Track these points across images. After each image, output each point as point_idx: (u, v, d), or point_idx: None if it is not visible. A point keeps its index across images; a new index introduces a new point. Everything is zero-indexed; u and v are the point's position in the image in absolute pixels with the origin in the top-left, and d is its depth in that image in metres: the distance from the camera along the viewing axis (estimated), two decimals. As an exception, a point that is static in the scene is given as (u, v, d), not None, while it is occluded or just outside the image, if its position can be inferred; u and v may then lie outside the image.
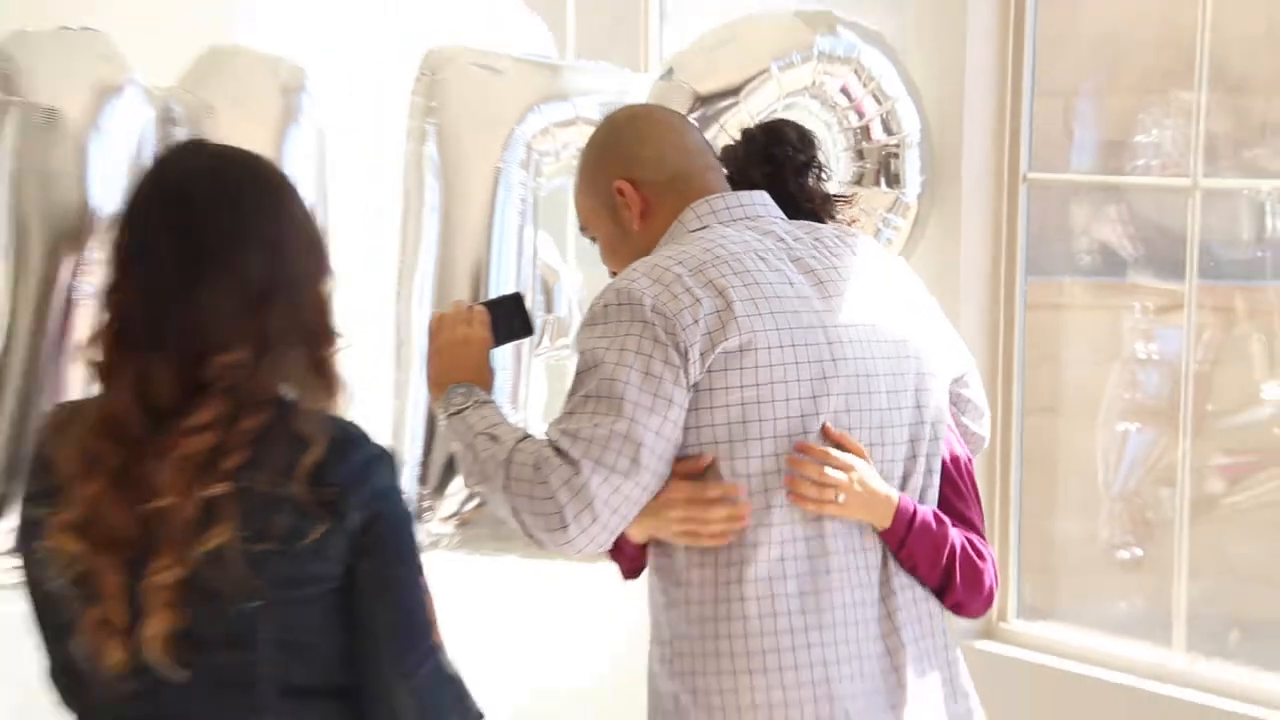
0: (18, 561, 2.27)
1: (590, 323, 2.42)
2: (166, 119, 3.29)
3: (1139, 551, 4.24)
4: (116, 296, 2.10)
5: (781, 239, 2.47)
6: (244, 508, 2.04)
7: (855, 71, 3.59)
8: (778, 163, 2.59)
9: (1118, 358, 4.33)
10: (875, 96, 3.62)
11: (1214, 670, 3.63)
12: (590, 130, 3.06)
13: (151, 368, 2.05)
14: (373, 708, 2.16)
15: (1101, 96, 4.41)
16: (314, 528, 2.06)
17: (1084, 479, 4.35)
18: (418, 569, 2.22)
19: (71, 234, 3.16)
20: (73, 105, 3.13)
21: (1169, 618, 3.70)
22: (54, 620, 2.17)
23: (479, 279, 3.54)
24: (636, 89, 3.68)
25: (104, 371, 2.10)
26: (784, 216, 2.52)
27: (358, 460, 2.11)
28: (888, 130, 3.61)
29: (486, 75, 3.55)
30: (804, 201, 2.60)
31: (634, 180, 2.53)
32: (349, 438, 2.11)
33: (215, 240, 2.09)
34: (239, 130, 3.23)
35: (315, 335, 2.14)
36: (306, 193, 3.20)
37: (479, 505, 3.62)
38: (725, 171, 2.58)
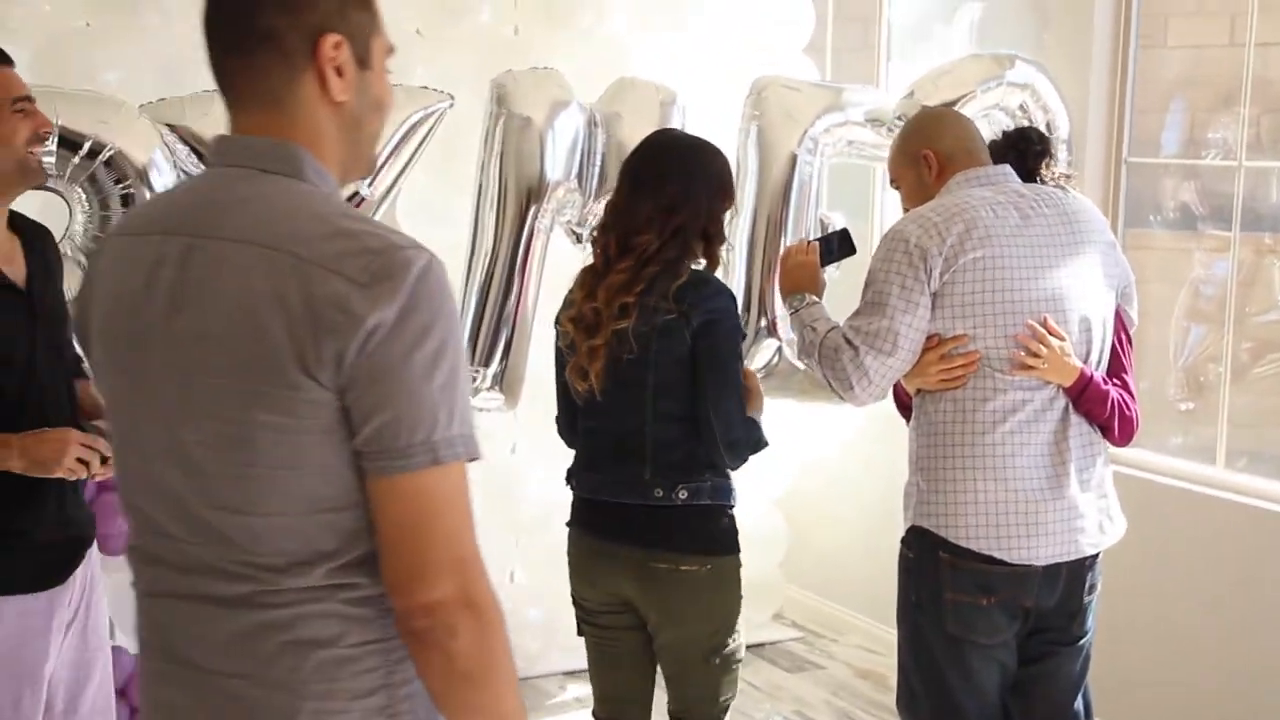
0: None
1: (877, 252, 2.96)
2: (591, 121, 4.14)
3: (1192, 405, 4.83)
4: (608, 208, 3.11)
5: (1010, 195, 2.94)
6: (640, 311, 2.94)
7: (1030, 93, 4.16)
8: (1021, 151, 3.16)
9: (1186, 281, 4.90)
10: (1042, 109, 4.16)
11: (1242, 480, 4.23)
12: (858, 129, 4.13)
13: (609, 242, 3.03)
14: (704, 427, 2.98)
15: (1183, 104, 4.91)
16: (674, 323, 2.93)
17: (1159, 357, 4.90)
18: (734, 355, 2.99)
19: (535, 192, 4.05)
20: (538, 114, 4.00)
21: (1214, 445, 4.32)
22: (560, 376, 3.15)
23: (775, 222, 4.21)
24: (886, 103, 4.40)
25: (595, 244, 3.08)
26: (1020, 182, 3.02)
27: (702, 291, 2.96)
28: (1049, 130, 4.05)
29: (791, 93, 4.34)
30: (1042, 176, 3.15)
31: (935, 150, 3.05)
32: (702, 279, 2.99)
33: (646, 175, 3.03)
34: (635, 129, 3.99)
35: (708, 235, 3.04)
36: None
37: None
38: (988, 154, 3.08)
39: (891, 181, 3.19)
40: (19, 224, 2.79)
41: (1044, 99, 4.17)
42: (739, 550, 3.08)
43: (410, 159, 3.97)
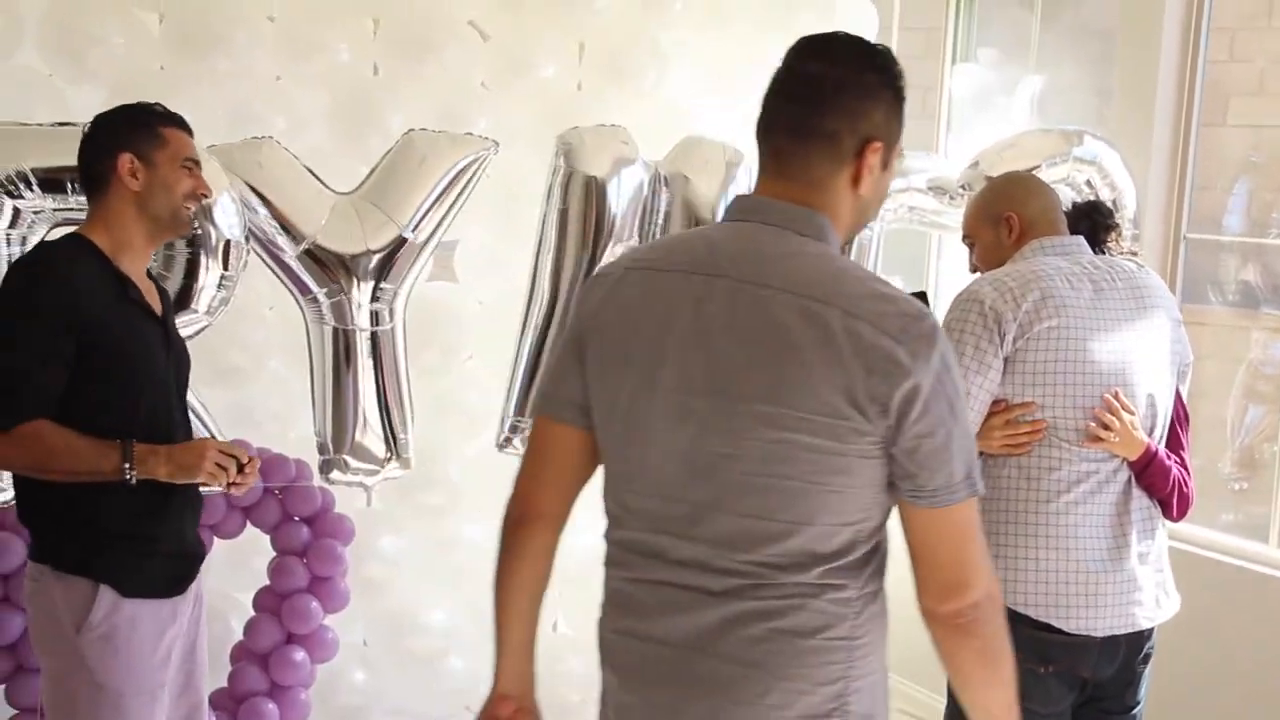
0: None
1: (950, 312, 2.92)
2: (656, 179, 4.18)
3: (1246, 485, 4.86)
4: None
5: (1085, 267, 2.96)
6: None
7: (1097, 170, 4.18)
8: (1094, 222, 3.18)
9: (1242, 359, 4.97)
10: (1109, 185, 4.18)
11: None
12: (920, 196, 4.18)
13: None
14: None
15: (1246, 184, 5.01)
16: None
17: (1213, 434, 4.93)
18: None
19: (594, 246, 4.06)
20: (602, 170, 4.04)
21: (1266, 524, 4.33)
22: None
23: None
24: (949, 171, 4.43)
25: None
26: (1091, 254, 3.04)
27: None
28: (1115, 207, 4.02)
29: None
30: (1108, 248, 3.17)
31: (1019, 214, 3.04)
32: None
33: None
34: (700, 189, 4.20)
35: None
36: None
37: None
38: (1066, 224, 3.08)
39: (965, 238, 3.20)
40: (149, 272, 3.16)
41: (1111, 175, 4.21)
42: None
43: (453, 205, 4.03)
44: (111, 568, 2.85)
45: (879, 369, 1.81)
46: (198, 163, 3.00)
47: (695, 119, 4.75)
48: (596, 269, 2.31)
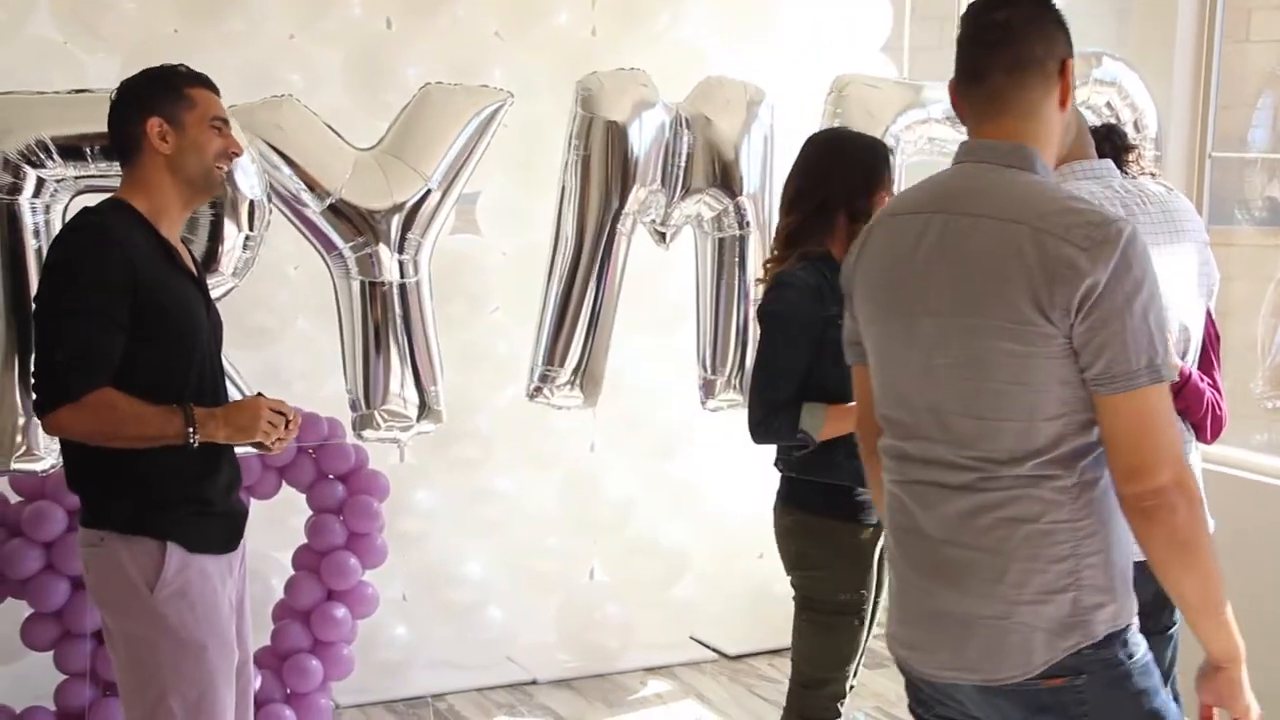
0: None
1: None
2: (677, 121, 4.18)
3: (1279, 404, 4.67)
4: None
5: (1116, 191, 2.98)
6: None
7: (1117, 90, 4.23)
8: (1112, 144, 3.20)
9: (1271, 277, 4.70)
10: (1129, 106, 4.25)
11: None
12: (938, 126, 4.12)
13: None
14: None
15: (1271, 99, 4.98)
16: None
17: (1243, 354, 4.76)
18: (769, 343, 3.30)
19: (618, 193, 4.10)
20: (622, 114, 4.06)
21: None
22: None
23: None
24: None
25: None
26: (1121, 178, 3.02)
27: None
28: (1137, 129, 4.17)
29: (873, 91, 4.40)
30: (1129, 171, 3.18)
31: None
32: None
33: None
34: (723, 128, 4.21)
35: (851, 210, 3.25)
36: (757, 160, 4.26)
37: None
38: (1094, 147, 3.03)
39: None
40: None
41: (1131, 96, 4.23)
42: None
43: (474, 155, 4.03)
44: (175, 525, 2.87)
45: (1061, 275, 2.03)
46: (226, 121, 3.00)
47: (710, 60, 4.74)
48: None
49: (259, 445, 2.99)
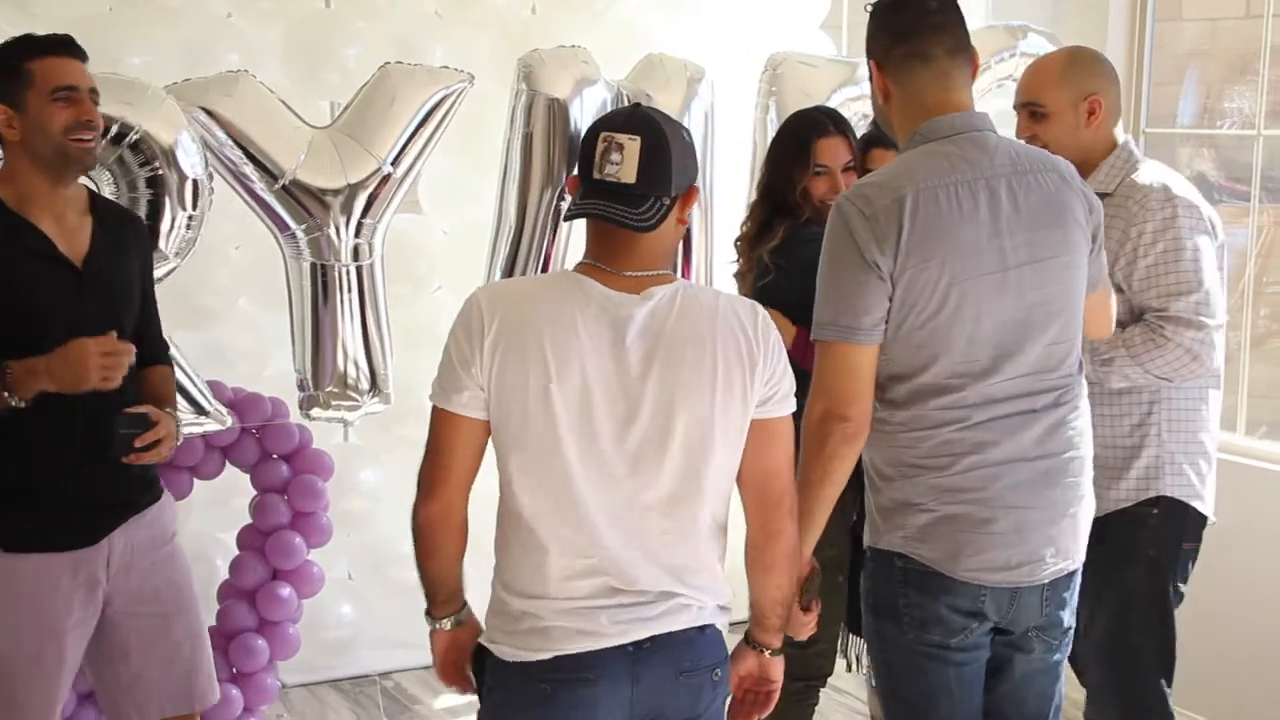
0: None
1: None
2: (618, 98, 4.17)
3: None
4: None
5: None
6: None
7: None
8: None
9: None
10: None
11: (1265, 446, 4.32)
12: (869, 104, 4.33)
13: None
14: None
15: (1198, 75, 5.09)
16: None
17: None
18: None
19: (560, 170, 4.07)
20: (564, 91, 4.04)
21: (1234, 414, 4.32)
22: None
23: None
24: None
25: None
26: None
27: None
28: None
29: (807, 69, 4.43)
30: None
31: (1103, 99, 3.02)
32: None
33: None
34: (663, 106, 3.93)
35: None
36: (698, 137, 4.19)
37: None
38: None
39: (1032, 105, 2.98)
40: (99, 207, 2.97)
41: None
42: None
43: (430, 138, 4.00)
44: None
45: (1095, 208, 2.60)
46: (75, 88, 2.76)
47: (650, 38, 4.74)
48: (857, 203, 2.50)
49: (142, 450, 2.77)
